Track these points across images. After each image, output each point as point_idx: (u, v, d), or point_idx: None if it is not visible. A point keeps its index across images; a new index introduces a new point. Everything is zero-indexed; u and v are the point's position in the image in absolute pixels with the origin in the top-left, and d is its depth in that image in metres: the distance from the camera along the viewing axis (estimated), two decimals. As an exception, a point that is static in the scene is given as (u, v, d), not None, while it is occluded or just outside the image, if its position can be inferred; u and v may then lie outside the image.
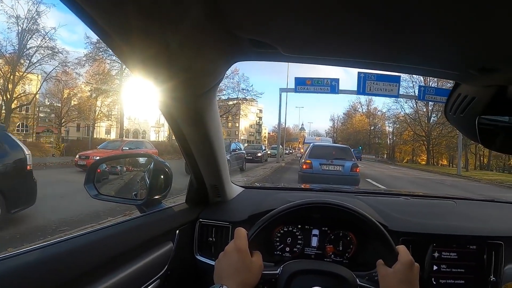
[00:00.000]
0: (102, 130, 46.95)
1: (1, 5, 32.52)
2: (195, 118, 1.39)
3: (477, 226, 1.74)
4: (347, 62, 1.06)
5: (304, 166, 13.14)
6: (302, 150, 28.05)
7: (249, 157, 23.97)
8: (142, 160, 2.41)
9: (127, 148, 19.80)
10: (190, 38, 0.85)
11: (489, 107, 1.01)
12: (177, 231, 1.63)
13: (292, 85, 28.69)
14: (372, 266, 1.22)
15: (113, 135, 44.38)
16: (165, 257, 1.51)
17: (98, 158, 2.14)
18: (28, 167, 6.97)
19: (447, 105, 1.18)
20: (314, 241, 1.59)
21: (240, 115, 62.79)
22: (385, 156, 71.01)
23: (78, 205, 7.91)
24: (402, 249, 1.16)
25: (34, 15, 33.83)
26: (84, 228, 6.37)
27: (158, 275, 1.45)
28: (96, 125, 44.03)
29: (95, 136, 40.33)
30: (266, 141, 77.82)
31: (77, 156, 17.85)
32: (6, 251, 5.12)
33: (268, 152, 39.95)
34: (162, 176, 1.76)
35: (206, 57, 0.99)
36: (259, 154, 28.57)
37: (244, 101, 52.49)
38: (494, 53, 0.83)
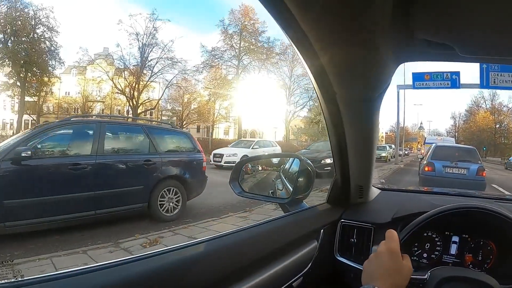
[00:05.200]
0: (220, 131, 48.98)
1: (121, 25, 37.91)
2: (361, 121, 1.44)
3: None
4: None
5: (426, 168, 12.28)
6: (423, 151, 26.40)
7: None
8: (275, 160, 2.51)
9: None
10: (371, 40, 0.90)
11: None
12: (322, 231, 1.65)
13: (409, 81, 26.55)
14: None
15: (231, 136, 46.30)
16: (309, 256, 1.53)
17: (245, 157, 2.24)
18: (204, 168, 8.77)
19: None
20: (453, 249, 1.50)
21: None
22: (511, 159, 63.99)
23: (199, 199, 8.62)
24: None
25: (152, 30, 38.57)
26: (206, 221, 6.95)
27: (302, 272, 1.46)
28: (215, 126, 46.22)
29: (214, 137, 42.71)
30: (384, 141, 75.21)
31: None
32: (134, 237, 5.76)
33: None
34: (306, 176, 1.80)
35: (382, 59, 1.03)
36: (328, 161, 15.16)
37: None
38: None
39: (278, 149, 24.31)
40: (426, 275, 1.25)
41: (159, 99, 42.61)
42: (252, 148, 21.27)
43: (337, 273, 1.72)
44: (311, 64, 1.10)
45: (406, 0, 0.76)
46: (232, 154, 19.45)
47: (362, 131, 1.50)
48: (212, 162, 19.03)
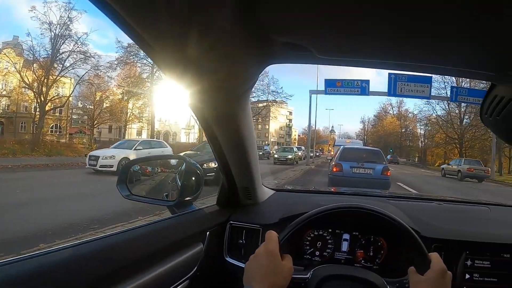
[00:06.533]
0: (133, 132, 48.14)
1: (34, 12, 34.04)
2: (228, 121, 1.40)
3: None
4: (380, 64, 1.06)
5: (334, 169, 12.90)
6: (332, 153, 27.68)
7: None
8: (173, 161, 2.43)
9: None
10: (221, 41, 0.85)
11: None
12: (208, 233, 1.64)
13: (322, 87, 28.24)
14: (403, 272, 1.20)
15: (144, 136, 45.49)
16: (195, 258, 1.52)
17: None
18: None
19: (482, 107, 1.11)
20: (345, 246, 1.57)
21: (270, 118, 63.05)
22: (416, 159, 69.58)
23: (109, 204, 8.07)
24: (435, 256, 1.13)
25: (66, 21, 35.26)
26: (115, 226, 6.52)
27: (188, 275, 1.45)
28: (127, 126, 45.43)
29: (126, 137, 41.31)
30: (296, 143, 78.06)
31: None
32: (39, 247, 5.12)
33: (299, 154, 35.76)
34: (193, 178, 1.78)
35: (238, 60, 0.99)
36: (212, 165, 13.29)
37: (274, 104, 52.03)
38: None
39: (168, 150, 22.69)
40: (309, 274, 1.26)
41: (69, 96, 40.42)
42: (135, 150, 19.24)
43: (227, 275, 1.73)
44: (166, 68, 1.04)
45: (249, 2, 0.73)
46: (109, 157, 17.22)
47: (233, 131, 1.46)
48: (88, 165, 17.21)
